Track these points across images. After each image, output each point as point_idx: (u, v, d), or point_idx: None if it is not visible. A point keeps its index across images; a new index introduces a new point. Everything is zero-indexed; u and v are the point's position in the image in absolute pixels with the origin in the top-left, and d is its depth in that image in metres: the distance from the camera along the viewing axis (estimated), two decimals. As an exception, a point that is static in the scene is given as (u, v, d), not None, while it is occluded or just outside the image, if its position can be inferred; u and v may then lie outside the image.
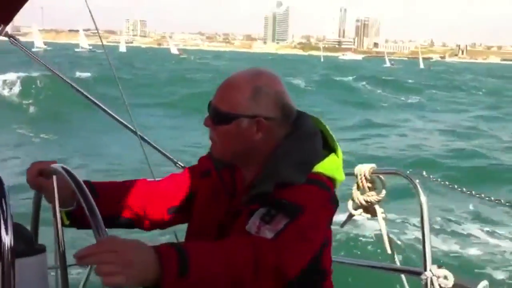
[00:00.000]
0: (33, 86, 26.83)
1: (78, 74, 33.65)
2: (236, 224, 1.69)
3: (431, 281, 2.47)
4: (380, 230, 2.82)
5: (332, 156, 1.75)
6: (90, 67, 41.90)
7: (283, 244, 1.50)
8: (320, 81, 46.50)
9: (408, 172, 2.75)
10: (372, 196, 2.81)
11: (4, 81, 27.25)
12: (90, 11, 2.76)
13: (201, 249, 1.42)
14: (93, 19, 2.73)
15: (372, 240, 9.12)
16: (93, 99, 2.85)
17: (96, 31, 2.84)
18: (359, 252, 9.70)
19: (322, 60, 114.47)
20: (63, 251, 1.55)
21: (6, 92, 26.65)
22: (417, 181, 2.62)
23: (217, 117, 1.71)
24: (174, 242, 1.46)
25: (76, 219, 1.78)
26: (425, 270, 2.48)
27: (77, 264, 1.29)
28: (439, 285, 2.46)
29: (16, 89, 26.63)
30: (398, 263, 2.92)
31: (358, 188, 2.83)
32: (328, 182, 1.69)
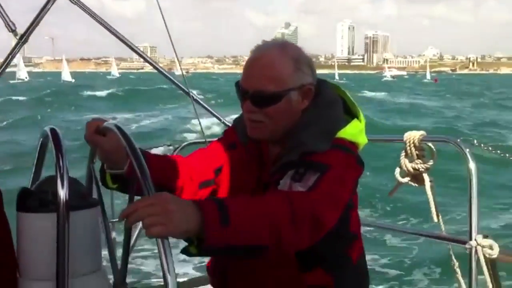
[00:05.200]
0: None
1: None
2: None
3: (476, 250, 2.40)
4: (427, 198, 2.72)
5: (354, 122, 1.74)
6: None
7: (316, 195, 1.51)
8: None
9: (458, 140, 2.62)
10: (420, 164, 2.70)
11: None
12: (170, 37, 3.17)
13: (238, 200, 1.45)
14: (172, 45, 3.25)
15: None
16: (155, 64, 3.39)
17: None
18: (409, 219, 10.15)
19: (337, 77, 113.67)
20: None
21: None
22: (467, 149, 2.53)
23: (264, 99, 1.67)
24: (211, 197, 1.51)
25: (122, 184, 1.76)
26: (470, 239, 2.42)
27: (125, 225, 1.33)
28: (484, 255, 2.39)
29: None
30: (444, 232, 2.81)
31: (407, 155, 2.72)
32: (351, 146, 1.69)
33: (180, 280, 3.54)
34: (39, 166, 1.71)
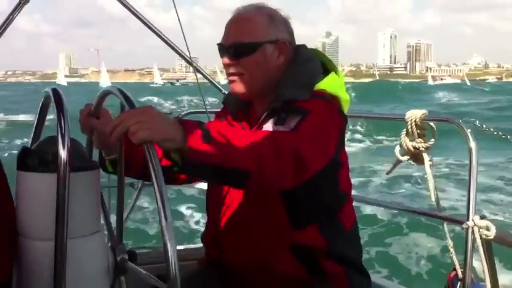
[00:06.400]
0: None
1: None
2: None
3: (472, 231, 2.37)
4: (426, 177, 2.70)
5: (331, 75, 1.82)
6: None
7: (299, 135, 1.57)
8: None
9: (460, 120, 2.66)
10: (420, 143, 2.68)
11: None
12: (186, 44, 3.10)
13: (220, 125, 1.54)
14: (189, 52, 3.18)
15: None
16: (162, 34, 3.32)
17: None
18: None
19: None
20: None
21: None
22: (469, 130, 2.51)
23: (240, 50, 1.78)
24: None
25: None
26: (468, 219, 2.39)
27: (112, 140, 1.36)
28: (480, 235, 2.36)
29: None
30: (441, 211, 2.80)
31: (408, 134, 2.69)
32: (332, 98, 1.76)
33: (178, 247, 3.62)
34: (39, 127, 1.67)
